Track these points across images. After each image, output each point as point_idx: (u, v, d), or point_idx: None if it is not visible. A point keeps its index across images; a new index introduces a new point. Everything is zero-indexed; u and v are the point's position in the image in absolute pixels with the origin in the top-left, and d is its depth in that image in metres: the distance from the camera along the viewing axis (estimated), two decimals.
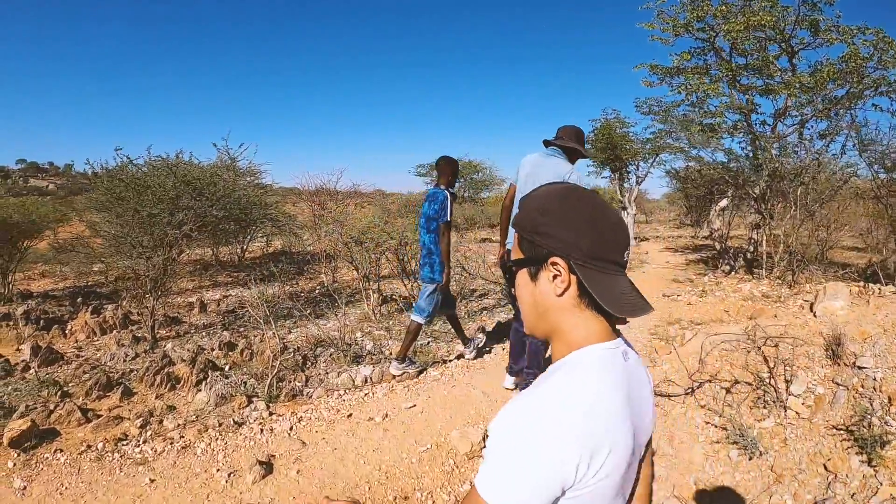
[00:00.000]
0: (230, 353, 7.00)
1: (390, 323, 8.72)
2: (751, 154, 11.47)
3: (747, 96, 11.16)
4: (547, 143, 4.83)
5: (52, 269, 14.87)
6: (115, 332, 8.65)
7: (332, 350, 6.63)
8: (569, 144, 4.75)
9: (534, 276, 1.21)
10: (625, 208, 17.75)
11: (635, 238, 18.23)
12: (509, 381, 5.35)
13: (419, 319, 5.72)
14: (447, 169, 5.65)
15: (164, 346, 7.70)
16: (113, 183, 8.63)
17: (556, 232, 1.16)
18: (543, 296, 1.20)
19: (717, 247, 11.78)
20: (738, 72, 10.92)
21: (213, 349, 7.14)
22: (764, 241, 10.57)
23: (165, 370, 6.03)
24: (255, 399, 5.32)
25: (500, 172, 28.34)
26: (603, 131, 17.44)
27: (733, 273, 11.26)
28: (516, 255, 1.24)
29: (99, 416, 4.97)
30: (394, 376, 5.75)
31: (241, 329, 8.43)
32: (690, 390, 5.15)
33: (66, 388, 5.78)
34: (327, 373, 6.11)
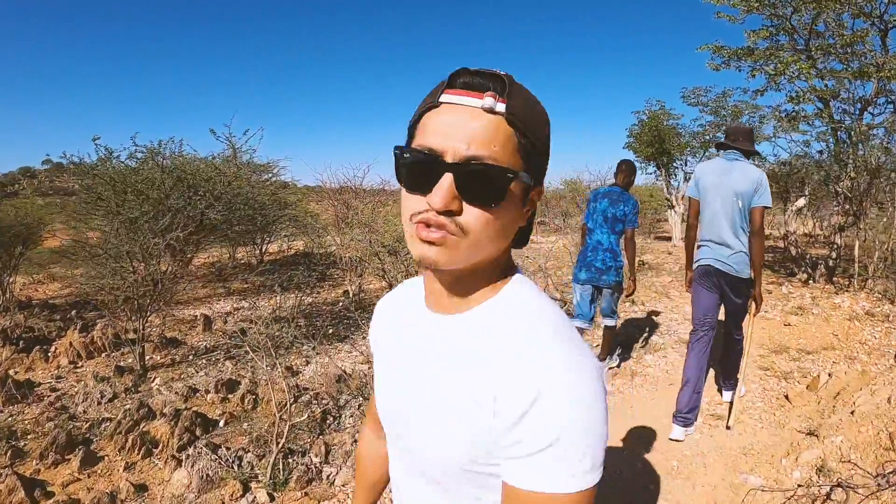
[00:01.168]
0: (229, 396, 5.40)
1: None
2: (831, 146, 9.68)
3: (827, 81, 9.32)
4: (722, 147, 4.50)
5: (63, 272, 13.27)
6: (104, 354, 7.09)
7: (362, 399, 4.89)
8: (747, 147, 4.34)
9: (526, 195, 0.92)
10: (672, 207, 15.97)
11: (682, 238, 16.36)
12: (679, 431, 4.40)
13: (612, 322, 5.55)
14: (630, 172, 5.43)
15: (153, 380, 6.16)
16: (92, 181, 6.89)
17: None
18: (516, 221, 0.92)
19: (793, 252, 9.98)
20: (816, 54, 9.09)
21: (207, 391, 5.57)
22: (857, 248, 8.78)
23: (141, 427, 4.46)
24: (252, 485, 3.77)
25: None
26: (650, 123, 15.63)
27: (811, 282, 9.52)
28: (513, 161, 0.86)
29: (50, 496, 3.66)
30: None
31: (248, 358, 6.72)
32: (884, 479, 3.39)
33: (22, 443, 4.46)
34: (355, 439, 4.40)
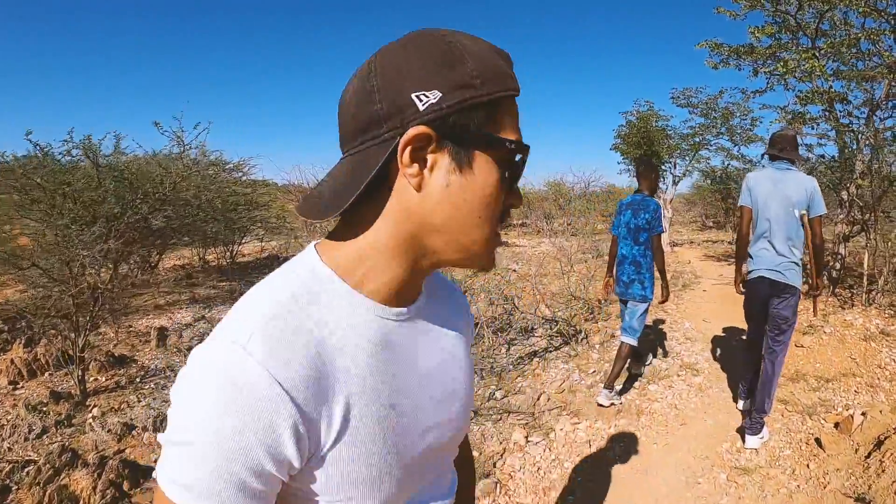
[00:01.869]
0: None
1: None
2: (836, 151, 9.07)
3: (832, 82, 8.65)
4: (773, 157, 4.35)
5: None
6: (47, 374, 6.33)
7: None
8: (795, 156, 4.31)
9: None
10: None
11: (670, 244, 15.72)
12: (754, 441, 4.41)
13: (632, 341, 5.17)
14: (650, 174, 5.14)
15: (91, 409, 5.24)
16: (17, 182, 6.00)
17: None
18: None
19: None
20: (824, 53, 8.42)
21: (145, 427, 4.71)
22: (866, 260, 8.10)
23: (61, 478, 3.68)
24: None
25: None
26: (639, 124, 14.94)
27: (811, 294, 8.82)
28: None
29: None
30: (601, 405, 5.11)
31: None
32: None
33: None
34: None
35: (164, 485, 0.66)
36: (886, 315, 7.55)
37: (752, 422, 4.37)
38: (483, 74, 0.72)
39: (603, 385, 5.22)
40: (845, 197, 8.75)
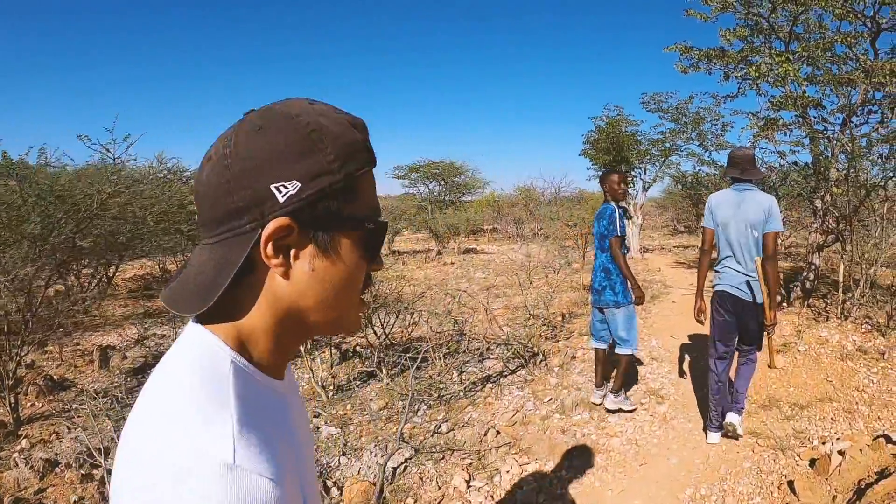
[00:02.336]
0: (93, 473, 4.11)
1: (350, 407, 5.56)
2: (809, 159, 8.66)
3: (805, 88, 8.23)
4: (736, 179, 4.44)
5: None
6: None
7: None
8: (756, 176, 4.44)
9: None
10: (630, 217, 14.84)
11: (640, 250, 15.28)
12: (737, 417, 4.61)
13: (628, 351, 5.06)
14: (604, 182, 5.15)
15: (21, 440, 4.76)
16: None
17: None
18: None
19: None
20: (798, 57, 7.98)
21: (69, 464, 4.21)
22: (841, 271, 7.66)
23: None
24: None
25: (484, 175, 25.30)
26: (608, 130, 14.47)
27: (785, 305, 8.45)
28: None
29: None
30: (609, 411, 5.11)
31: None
32: None
33: None
34: None
35: None
36: (863, 330, 7.11)
37: (734, 403, 4.62)
38: (340, 157, 0.72)
39: (611, 390, 5.18)
40: (819, 206, 8.32)
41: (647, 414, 5.16)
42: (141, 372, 6.68)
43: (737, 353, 4.72)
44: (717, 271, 4.55)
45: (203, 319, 0.76)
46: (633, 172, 15.33)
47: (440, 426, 5.04)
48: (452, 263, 15.21)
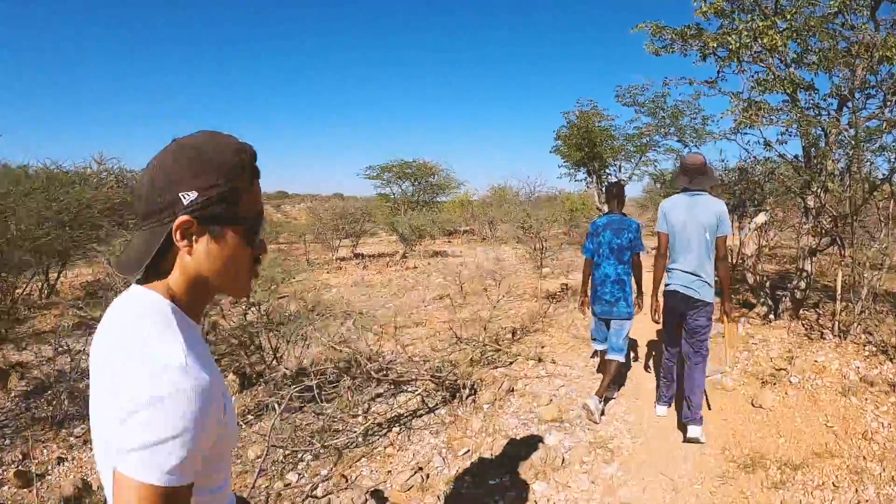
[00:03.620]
0: None
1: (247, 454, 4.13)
2: (800, 150, 7.22)
3: (793, 68, 6.81)
4: (686, 189, 4.48)
5: None
6: None
7: None
8: (708, 184, 4.49)
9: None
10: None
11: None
12: (697, 430, 4.30)
13: (620, 358, 4.92)
14: (623, 195, 5.15)
15: None
16: None
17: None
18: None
19: (751, 280, 7.41)
20: (782, 34, 6.53)
21: None
22: (839, 281, 6.25)
23: None
24: None
25: (458, 175, 23.81)
26: (579, 125, 13.01)
27: (774, 318, 7.07)
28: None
29: None
30: (586, 408, 4.69)
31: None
32: None
33: None
34: None
35: (158, 480, 0.92)
36: (866, 353, 5.70)
37: (690, 415, 4.31)
38: (224, 174, 1.07)
39: (595, 392, 4.88)
40: (812, 203, 6.89)
41: (587, 479, 3.76)
42: (35, 395, 5.29)
43: (686, 360, 4.55)
44: (667, 272, 4.58)
45: (142, 282, 1.10)
46: (606, 170, 13.90)
47: (316, 489, 3.64)
48: (415, 268, 13.76)
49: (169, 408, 0.92)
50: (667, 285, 4.55)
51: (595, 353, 5.70)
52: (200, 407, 0.96)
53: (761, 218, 7.35)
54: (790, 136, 7.47)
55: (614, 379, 5.04)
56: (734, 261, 8.70)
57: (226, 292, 1.19)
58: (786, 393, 4.90)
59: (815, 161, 6.85)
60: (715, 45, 6.97)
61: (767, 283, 7.57)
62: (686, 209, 4.38)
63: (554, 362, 5.94)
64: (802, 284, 7.05)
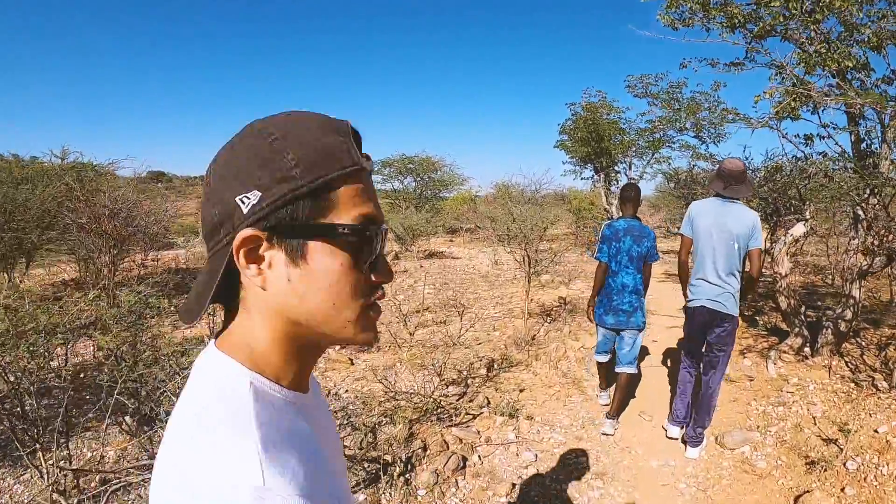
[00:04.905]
0: None
1: None
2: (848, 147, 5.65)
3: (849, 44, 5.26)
4: (719, 195, 4.06)
5: None
6: None
7: None
8: (745, 194, 4.10)
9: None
10: (611, 218, 11.83)
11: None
12: (695, 452, 4.09)
13: (633, 370, 4.54)
14: (639, 198, 4.69)
15: None
16: None
17: None
18: None
19: (784, 305, 5.84)
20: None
21: None
22: None
23: None
24: None
25: (464, 171, 22.29)
26: (586, 118, 11.44)
27: (810, 354, 5.58)
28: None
29: None
30: (605, 434, 4.41)
31: None
32: None
33: None
34: None
35: None
36: None
37: (693, 434, 4.06)
38: (305, 162, 0.66)
39: (606, 415, 4.54)
40: (861, 214, 5.33)
41: None
42: None
43: (702, 372, 4.18)
44: (692, 285, 4.13)
45: (220, 340, 0.73)
46: (615, 167, 12.31)
47: None
48: (405, 271, 12.28)
49: None
50: (690, 301, 4.14)
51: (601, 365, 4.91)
52: None
53: (800, 229, 5.77)
54: (835, 129, 5.88)
55: (627, 393, 4.71)
56: (756, 275, 7.13)
57: (335, 341, 0.73)
58: (842, 490, 3.38)
59: (868, 161, 5.29)
60: (745, 19, 5.42)
61: (803, 309, 6.01)
62: (715, 215, 4.01)
63: (530, 419, 4.47)
64: (848, 314, 5.49)
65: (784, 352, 5.86)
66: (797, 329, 5.94)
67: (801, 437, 4.07)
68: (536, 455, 3.92)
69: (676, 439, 4.24)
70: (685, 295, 4.28)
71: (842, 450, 3.75)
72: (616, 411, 4.49)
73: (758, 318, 7.42)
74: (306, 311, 0.69)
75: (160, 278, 7.94)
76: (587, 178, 13.17)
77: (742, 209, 4.01)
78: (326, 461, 0.73)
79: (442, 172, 20.16)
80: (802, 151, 5.38)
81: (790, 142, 5.47)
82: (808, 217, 5.78)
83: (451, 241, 18.38)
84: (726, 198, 4.00)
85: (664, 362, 6.03)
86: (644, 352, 5.99)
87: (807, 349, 5.83)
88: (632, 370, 4.54)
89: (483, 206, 17.51)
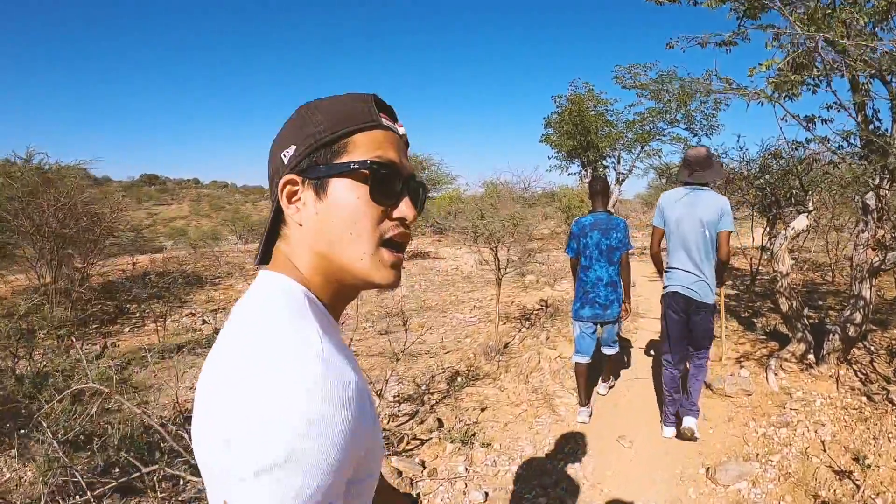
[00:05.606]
0: None
1: None
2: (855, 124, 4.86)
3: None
4: (686, 183, 4.01)
5: None
6: None
7: None
8: (710, 178, 3.95)
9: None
10: None
11: None
12: (693, 421, 3.99)
13: (616, 349, 4.64)
14: (608, 191, 4.60)
15: None
16: None
17: None
18: None
19: (785, 307, 5.11)
20: None
21: None
22: None
23: None
24: None
25: (452, 170, 21.49)
26: (571, 109, 10.69)
27: (815, 361, 4.87)
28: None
29: None
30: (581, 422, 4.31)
31: None
32: None
33: None
34: None
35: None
36: None
37: (689, 405, 3.99)
38: (328, 119, 0.79)
39: (603, 381, 4.76)
40: (872, 203, 4.61)
41: None
42: None
43: (687, 362, 4.10)
44: (666, 272, 4.07)
45: (272, 268, 0.81)
46: (603, 161, 11.56)
47: None
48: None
49: (300, 409, 0.60)
50: (665, 287, 4.10)
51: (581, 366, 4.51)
52: (350, 408, 0.65)
53: (802, 223, 5.02)
54: (838, 108, 5.13)
55: (616, 366, 4.89)
56: (751, 271, 6.37)
57: (354, 275, 0.80)
58: None
59: (876, 145, 4.54)
60: None
61: (805, 311, 5.26)
62: (684, 204, 3.94)
63: (487, 446, 3.72)
64: (858, 317, 4.74)
65: (786, 360, 5.12)
66: (800, 334, 5.20)
67: (809, 468, 3.33)
68: (487, 494, 3.17)
69: (671, 439, 4.04)
70: (662, 276, 4.26)
71: (858, 487, 3.02)
72: (606, 378, 4.77)
73: (755, 320, 6.69)
74: (328, 241, 0.78)
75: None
76: (574, 174, 12.45)
77: (711, 195, 3.93)
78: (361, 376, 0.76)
79: (430, 171, 19.41)
80: (805, 127, 4.59)
81: (792, 116, 4.70)
82: (810, 208, 5.02)
83: (438, 240, 17.67)
84: (695, 186, 3.94)
85: (648, 372, 5.30)
86: (623, 363, 5.45)
87: (811, 356, 5.09)
88: (615, 350, 4.64)
89: (470, 206, 16.81)
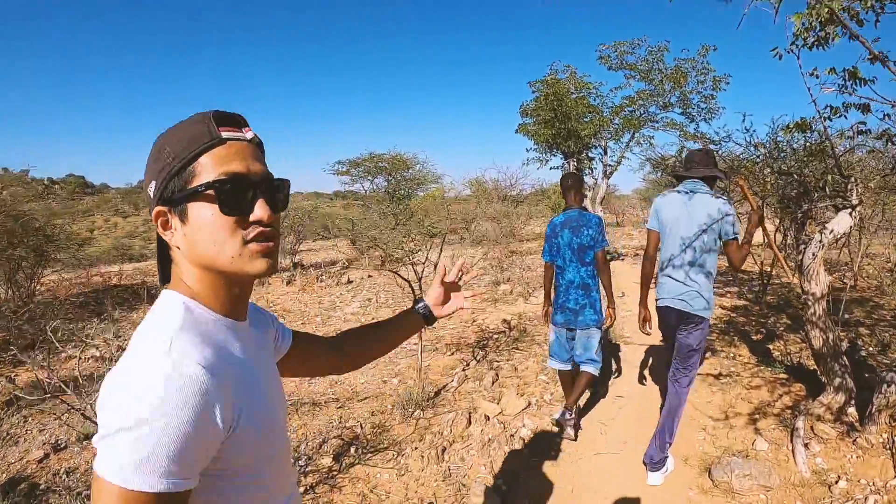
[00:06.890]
0: None
1: None
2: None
3: None
4: (680, 178, 3.65)
5: None
6: None
7: None
8: (705, 173, 3.45)
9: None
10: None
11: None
12: (657, 477, 3.42)
13: (595, 371, 3.98)
14: (580, 186, 4.17)
15: None
16: None
17: None
18: None
19: (817, 343, 3.49)
20: None
21: None
22: None
23: None
24: None
25: (436, 168, 20.13)
26: (548, 94, 9.06)
27: (858, 421, 3.19)
28: None
29: None
30: (556, 423, 3.94)
31: None
32: None
33: None
34: None
35: (111, 473, 0.69)
36: None
37: (657, 453, 3.43)
38: (174, 150, 0.84)
39: (565, 406, 3.98)
40: None
41: None
42: None
43: (670, 381, 3.56)
44: (658, 282, 3.58)
45: (169, 286, 0.90)
46: (588, 152, 9.87)
47: None
48: (349, 282, 9.96)
49: (129, 390, 0.72)
50: (658, 299, 3.57)
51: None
52: (185, 395, 0.73)
53: (844, 223, 3.37)
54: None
55: (583, 391, 3.96)
56: (761, 275, 4.66)
57: (233, 274, 0.88)
58: None
59: None
60: None
61: (841, 358, 3.62)
62: (681, 206, 3.46)
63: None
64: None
65: (819, 417, 3.51)
66: (838, 379, 3.58)
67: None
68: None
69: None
70: (643, 297, 3.81)
71: None
72: (572, 404, 3.90)
73: (771, 346, 5.04)
74: (200, 255, 0.85)
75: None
76: (556, 167, 10.79)
77: (708, 198, 3.44)
78: (259, 380, 0.91)
79: (414, 170, 17.80)
80: (847, 84, 2.94)
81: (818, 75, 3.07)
82: (855, 202, 3.37)
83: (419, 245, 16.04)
84: (688, 186, 3.47)
85: (641, 393, 3.79)
86: (607, 376, 4.78)
87: (851, 409, 3.50)
88: (593, 370, 3.97)
89: (454, 204, 15.21)
